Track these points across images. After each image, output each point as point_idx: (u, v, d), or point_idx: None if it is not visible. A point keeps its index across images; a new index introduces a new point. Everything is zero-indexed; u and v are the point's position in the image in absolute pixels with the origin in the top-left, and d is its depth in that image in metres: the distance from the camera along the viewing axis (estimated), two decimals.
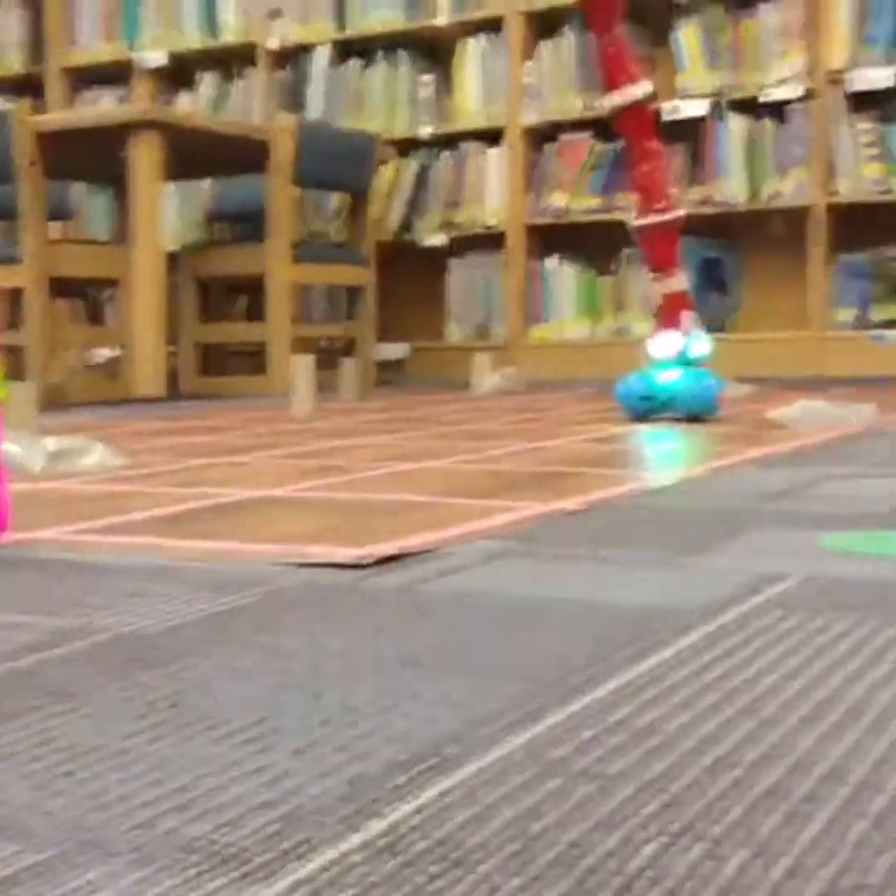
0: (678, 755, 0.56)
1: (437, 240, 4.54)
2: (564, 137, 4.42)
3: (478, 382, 3.69)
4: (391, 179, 4.63)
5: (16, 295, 3.76)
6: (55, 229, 4.72)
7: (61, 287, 4.13)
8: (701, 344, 2.48)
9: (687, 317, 2.47)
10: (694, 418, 2.39)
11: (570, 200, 4.39)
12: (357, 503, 1.41)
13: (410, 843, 0.47)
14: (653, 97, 2.48)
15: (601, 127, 4.32)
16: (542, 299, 4.48)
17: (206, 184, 4.78)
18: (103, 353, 4.75)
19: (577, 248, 4.49)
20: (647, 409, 2.44)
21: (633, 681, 0.68)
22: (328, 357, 4.19)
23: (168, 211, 4.79)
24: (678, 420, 2.40)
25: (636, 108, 2.43)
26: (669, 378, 2.41)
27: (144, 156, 3.54)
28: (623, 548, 1.08)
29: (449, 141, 4.61)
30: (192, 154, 3.88)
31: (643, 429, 2.28)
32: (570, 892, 0.43)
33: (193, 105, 5.03)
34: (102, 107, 5.09)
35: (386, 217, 4.65)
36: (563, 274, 4.44)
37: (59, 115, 3.88)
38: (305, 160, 3.88)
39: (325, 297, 4.80)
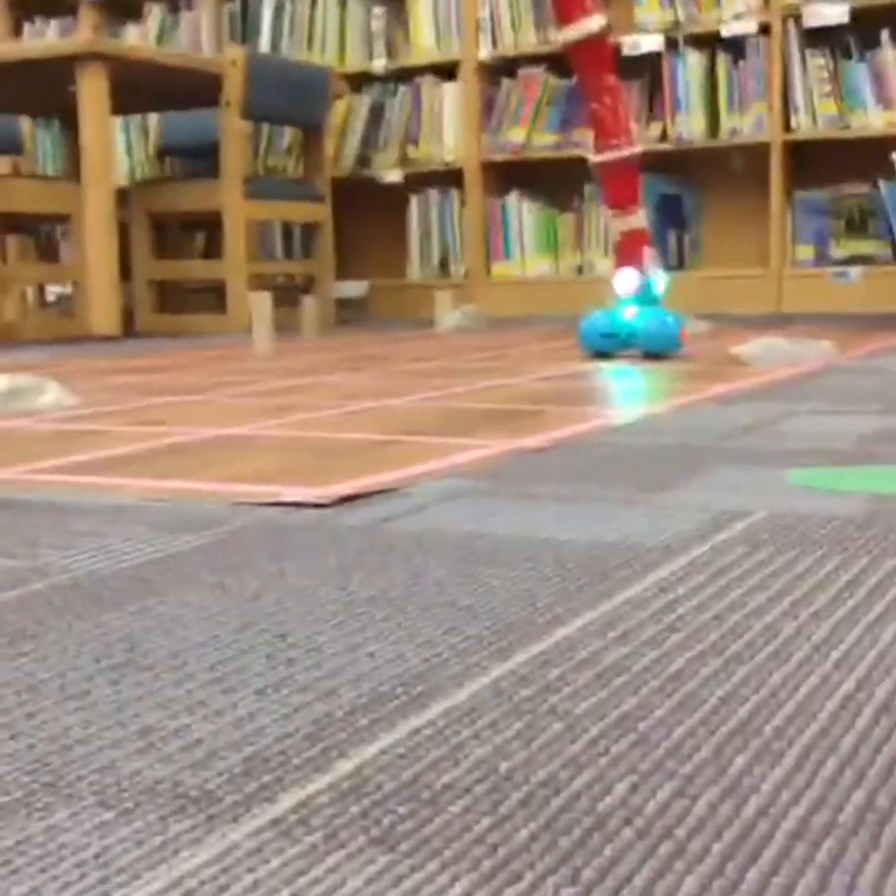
0: (646, 693, 0.55)
1: (395, 176, 4.49)
2: (522, 72, 4.37)
3: (440, 320, 3.67)
4: (345, 114, 4.56)
5: None
6: (5, 163, 4.63)
7: (12, 223, 4.05)
8: (659, 281, 2.46)
9: (647, 254, 2.43)
10: (655, 355, 2.38)
11: (528, 136, 4.35)
12: (318, 442, 1.40)
13: (378, 783, 0.47)
14: (608, 30, 2.42)
15: (556, 62, 4.27)
16: (502, 236, 4.45)
17: (154, 118, 4.69)
18: (56, 291, 4.68)
19: (537, 184, 4.46)
20: (609, 346, 2.43)
21: (599, 619, 0.67)
22: (287, 295, 4.15)
23: (118, 146, 4.70)
24: (639, 357, 2.38)
25: (592, 42, 2.38)
26: (630, 315, 2.40)
27: (91, 88, 3.46)
28: (587, 485, 1.07)
29: (403, 75, 4.54)
30: (140, 87, 3.80)
31: (605, 366, 2.27)
32: (541, 831, 0.42)
33: (141, 37, 4.91)
34: (47, 39, 4.97)
35: (341, 153, 4.58)
36: (523, 210, 4.41)
37: (2, 47, 3.78)
38: (256, 93, 3.81)
39: (282, 234, 4.74)
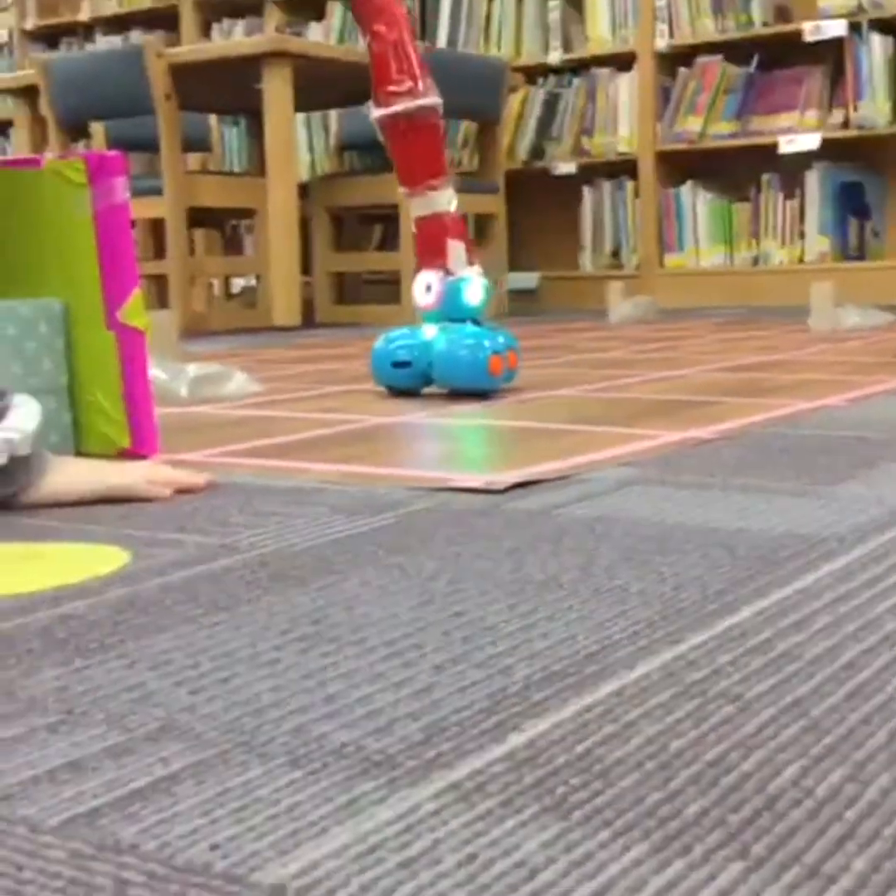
0: (819, 680, 0.56)
1: (569, 168, 4.49)
2: (699, 61, 4.30)
3: (612, 311, 3.66)
4: (520, 107, 4.58)
5: (158, 226, 3.84)
6: (195, 160, 4.80)
7: (200, 217, 4.20)
8: (471, 288, 1.72)
9: (453, 250, 1.72)
10: (461, 394, 1.71)
11: (705, 125, 4.29)
12: (491, 429, 1.42)
13: (552, 756, 0.48)
14: None
15: (734, 49, 4.20)
16: (675, 227, 4.40)
17: (335, 114, 4.79)
18: (241, 283, 4.83)
19: (712, 174, 4.39)
20: (403, 379, 1.75)
21: (772, 607, 0.67)
22: None
23: (300, 141, 4.82)
24: (445, 397, 1.73)
25: None
26: (431, 337, 1.72)
27: (276, 86, 3.56)
28: (759, 476, 1.07)
29: (579, 67, 4.52)
30: (323, 84, 3.88)
31: (782, 358, 2.23)
32: (711, 807, 0.43)
33: (323, 35, 5.02)
34: (234, 38, 5.13)
35: (516, 145, 4.60)
36: (697, 200, 4.35)
37: (191, 48, 3.92)
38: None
39: None
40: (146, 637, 0.65)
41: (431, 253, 1.73)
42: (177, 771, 0.48)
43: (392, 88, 1.71)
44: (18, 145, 4.16)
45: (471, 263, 1.74)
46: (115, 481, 1.03)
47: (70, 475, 1.03)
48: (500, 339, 1.70)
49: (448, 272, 1.71)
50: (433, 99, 1.73)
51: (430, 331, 1.73)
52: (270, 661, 0.61)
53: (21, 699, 0.57)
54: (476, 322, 1.73)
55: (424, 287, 1.72)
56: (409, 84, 1.71)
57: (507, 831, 0.42)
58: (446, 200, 1.73)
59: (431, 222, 1.74)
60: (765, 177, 4.23)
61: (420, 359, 1.72)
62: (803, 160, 4.12)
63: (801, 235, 4.18)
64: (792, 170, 4.17)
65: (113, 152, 1.21)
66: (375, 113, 1.73)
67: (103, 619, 0.69)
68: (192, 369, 1.76)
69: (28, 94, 3.95)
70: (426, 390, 1.76)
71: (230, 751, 0.50)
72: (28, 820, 0.44)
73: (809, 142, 4.04)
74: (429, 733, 0.51)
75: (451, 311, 1.72)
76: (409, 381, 1.75)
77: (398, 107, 1.71)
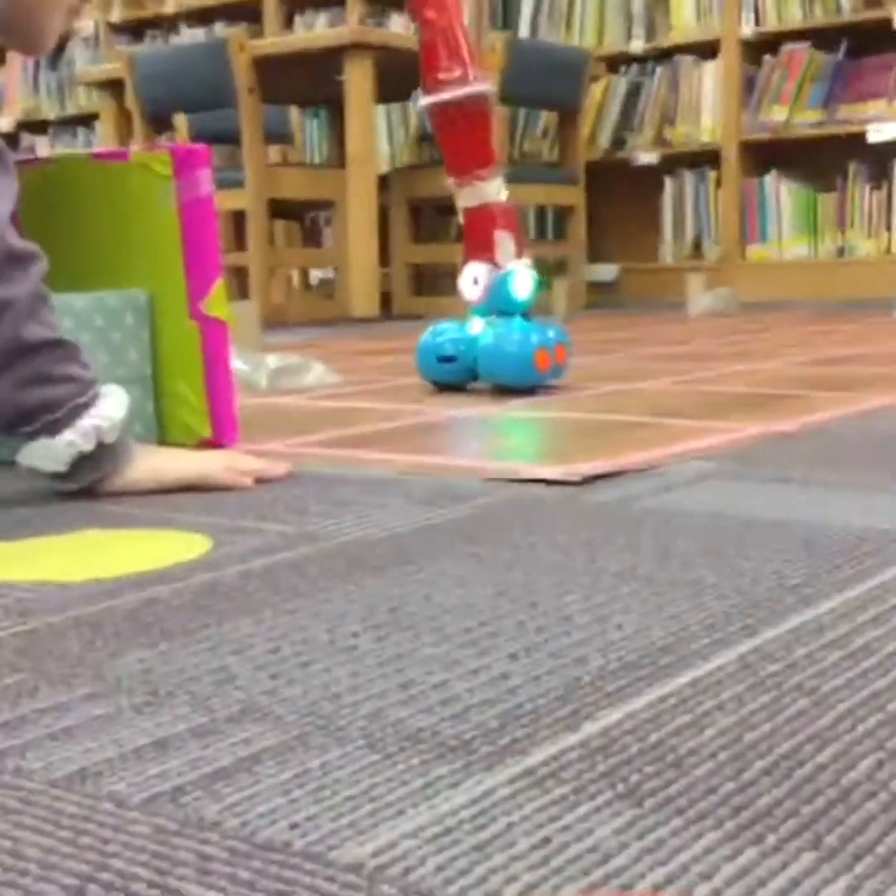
0: None
1: (650, 158, 4.45)
2: (785, 48, 4.24)
3: (692, 303, 3.62)
4: (601, 96, 4.55)
5: (239, 217, 3.88)
6: (274, 152, 4.84)
7: (280, 209, 4.24)
8: (519, 281, 1.69)
9: (501, 241, 1.68)
10: (506, 390, 1.67)
11: (790, 115, 4.22)
12: (569, 421, 1.42)
13: (625, 745, 0.49)
14: None
15: (821, 36, 4.13)
16: (758, 218, 4.34)
17: (414, 104, 4.80)
18: (319, 275, 4.87)
19: (797, 164, 4.33)
20: (449, 374, 1.73)
21: (849, 602, 0.67)
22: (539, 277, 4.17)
23: (380, 133, 4.84)
24: (491, 392, 1.70)
25: None
26: (477, 332, 1.70)
27: (358, 78, 3.58)
28: (840, 470, 1.06)
29: (662, 55, 4.48)
30: (403, 75, 3.89)
31: (866, 352, 2.20)
32: (785, 798, 0.44)
33: (404, 26, 5.04)
34: (316, 29, 5.16)
35: (596, 135, 4.57)
36: (781, 191, 4.29)
37: (273, 41, 3.94)
38: (515, 78, 3.84)
39: (535, 216, 4.78)
40: (228, 622, 0.67)
41: (479, 245, 1.70)
42: (258, 752, 0.49)
43: (441, 76, 1.66)
44: (104, 138, 4.23)
45: (519, 256, 1.70)
46: (198, 470, 1.05)
47: (154, 464, 1.06)
48: (549, 334, 1.66)
49: (496, 265, 1.68)
50: (483, 86, 1.67)
51: (476, 325, 1.70)
52: (348, 648, 0.62)
53: (108, 680, 0.58)
54: (525, 316, 1.70)
55: (472, 280, 1.69)
56: (458, 71, 1.66)
57: (580, 817, 0.43)
58: (495, 191, 1.69)
59: (479, 213, 1.69)
60: (852, 166, 4.16)
61: (466, 353, 1.69)
62: (892, 149, 4.04)
63: (888, 227, 4.10)
64: (880, 159, 4.10)
65: (198, 145, 1.23)
66: (424, 100, 1.69)
67: (187, 604, 0.71)
68: (272, 360, 1.79)
69: (113, 87, 4.01)
70: (471, 385, 1.73)
71: (309, 733, 0.51)
72: (115, 796, 0.46)
73: None
74: (504, 720, 0.52)
75: (498, 304, 1.68)
76: (454, 377, 1.72)
77: (447, 94, 1.66)
